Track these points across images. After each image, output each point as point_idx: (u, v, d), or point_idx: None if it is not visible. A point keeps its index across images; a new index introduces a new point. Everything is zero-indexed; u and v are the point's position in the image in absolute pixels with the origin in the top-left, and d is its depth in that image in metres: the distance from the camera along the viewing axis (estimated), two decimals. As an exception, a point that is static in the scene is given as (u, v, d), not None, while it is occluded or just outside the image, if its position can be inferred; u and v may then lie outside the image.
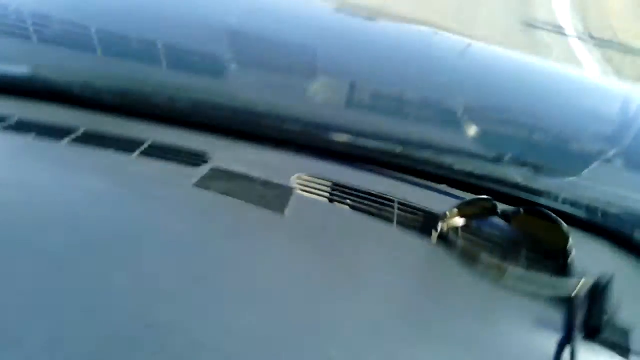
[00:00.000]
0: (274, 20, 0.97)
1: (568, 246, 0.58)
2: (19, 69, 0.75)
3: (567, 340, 0.50)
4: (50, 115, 0.67)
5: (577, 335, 0.50)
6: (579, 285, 0.53)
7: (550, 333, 0.51)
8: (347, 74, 0.95)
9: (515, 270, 0.54)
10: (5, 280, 0.42)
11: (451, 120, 0.89)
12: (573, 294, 0.53)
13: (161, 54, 0.80)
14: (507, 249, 0.60)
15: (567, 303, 0.53)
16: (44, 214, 0.50)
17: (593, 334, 0.51)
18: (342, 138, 0.74)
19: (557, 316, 0.52)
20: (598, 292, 0.54)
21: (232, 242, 0.51)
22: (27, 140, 0.62)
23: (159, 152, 0.64)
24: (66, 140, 0.63)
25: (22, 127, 0.64)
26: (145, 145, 0.64)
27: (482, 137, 0.86)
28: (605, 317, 0.52)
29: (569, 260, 0.58)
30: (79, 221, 0.50)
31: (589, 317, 0.52)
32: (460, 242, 0.57)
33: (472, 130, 0.87)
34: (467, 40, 1.18)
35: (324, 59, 0.94)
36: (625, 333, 0.52)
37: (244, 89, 0.83)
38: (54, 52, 0.81)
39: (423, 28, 1.18)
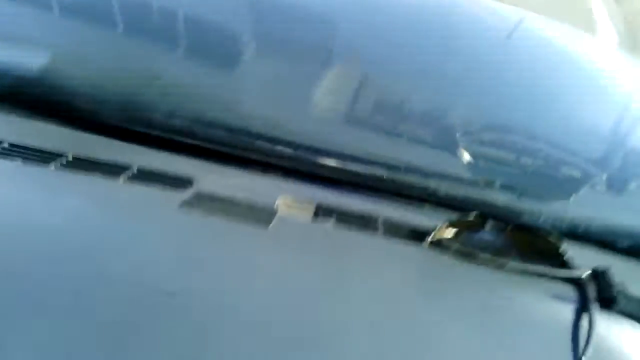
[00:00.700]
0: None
1: (562, 247, 0.59)
2: (6, 82, 0.76)
3: (584, 310, 0.52)
4: (39, 137, 0.68)
5: (593, 305, 0.52)
6: (583, 271, 0.56)
7: (565, 307, 0.52)
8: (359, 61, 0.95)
9: (515, 264, 0.55)
10: None
11: (438, 143, 0.90)
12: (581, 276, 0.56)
13: (150, 71, 0.82)
14: (502, 253, 0.61)
15: (576, 284, 0.56)
16: (29, 239, 0.51)
17: (608, 304, 0.53)
18: (328, 161, 0.75)
19: (568, 294, 0.54)
20: (601, 275, 0.56)
21: (216, 261, 0.52)
22: (16, 165, 0.63)
23: (144, 176, 0.65)
24: (54, 164, 0.64)
25: (10, 151, 0.65)
26: (131, 171, 0.65)
27: (468, 160, 0.87)
28: (617, 290, 0.54)
29: (566, 258, 0.59)
30: (63, 245, 0.50)
31: (600, 291, 0.54)
32: (456, 245, 0.59)
33: (458, 153, 0.88)
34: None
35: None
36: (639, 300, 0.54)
37: (233, 107, 0.83)
38: (42, 65, 0.81)
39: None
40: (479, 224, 0.64)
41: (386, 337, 0.47)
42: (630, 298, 0.54)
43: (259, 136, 0.76)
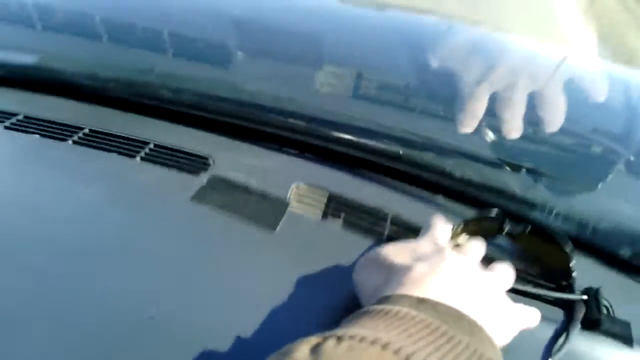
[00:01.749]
0: (280, 10, 0.95)
1: (572, 263, 0.59)
2: (24, 59, 0.76)
3: (566, 332, 0.53)
4: (57, 111, 0.69)
5: (576, 326, 0.53)
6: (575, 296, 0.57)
7: (549, 327, 0.54)
8: (354, 64, 0.94)
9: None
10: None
11: (451, 120, 0.88)
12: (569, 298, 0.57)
13: (166, 43, 0.80)
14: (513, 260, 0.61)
15: (564, 305, 0.57)
16: (40, 220, 0.52)
17: (593, 326, 0.54)
18: (342, 135, 0.74)
19: (555, 314, 0.56)
20: (591, 295, 0.57)
21: (221, 258, 0.53)
22: (32, 140, 0.64)
23: (161, 155, 0.65)
24: (71, 140, 0.64)
25: (29, 124, 0.66)
26: (148, 148, 0.65)
27: (484, 140, 0.86)
28: (603, 312, 0.55)
29: (571, 280, 0.59)
30: (71, 230, 0.52)
31: (586, 313, 0.55)
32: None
33: (474, 134, 0.86)
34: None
35: (331, 49, 0.93)
36: (625, 324, 0.55)
37: (249, 81, 0.83)
38: (58, 41, 0.81)
39: (432, 18, 1.15)
40: (495, 228, 0.64)
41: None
42: (615, 320, 0.55)
43: (271, 109, 0.76)
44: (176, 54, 0.80)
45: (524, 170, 0.78)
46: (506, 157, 0.79)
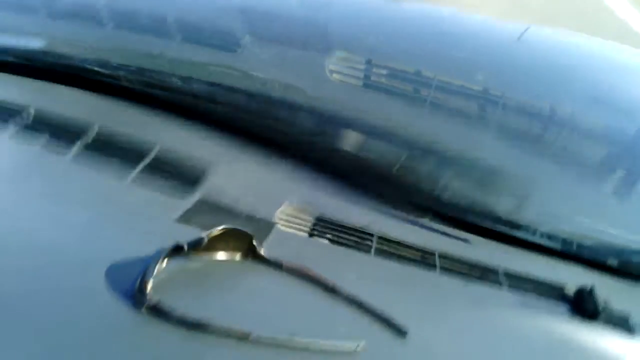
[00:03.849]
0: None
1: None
2: (32, 45, 0.78)
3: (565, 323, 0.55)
4: (65, 105, 0.71)
5: (574, 318, 0.55)
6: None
7: (546, 320, 0.55)
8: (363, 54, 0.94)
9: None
10: None
11: (441, 142, 0.88)
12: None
13: (175, 32, 0.82)
14: None
15: (558, 298, 0.58)
16: (26, 234, 0.54)
17: (592, 316, 0.55)
18: (338, 150, 0.75)
19: (551, 308, 0.57)
20: (584, 293, 0.58)
21: (207, 277, 0.54)
22: (35, 149, 0.66)
23: (157, 168, 0.67)
24: (73, 149, 0.66)
25: (34, 128, 0.68)
26: (142, 165, 0.67)
27: (471, 163, 0.85)
28: (600, 304, 0.56)
29: None
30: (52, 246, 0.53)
31: (584, 304, 0.56)
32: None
33: (461, 155, 0.86)
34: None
35: (338, 40, 0.93)
36: (624, 314, 0.56)
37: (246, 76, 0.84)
38: (64, 29, 0.83)
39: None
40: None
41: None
42: (613, 311, 0.56)
43: (278, 102, 0.77)
44: (186, 41, 0.81)
45: (510, 190, 0.78)
46: (491, 174, 0.79)
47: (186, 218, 0.60)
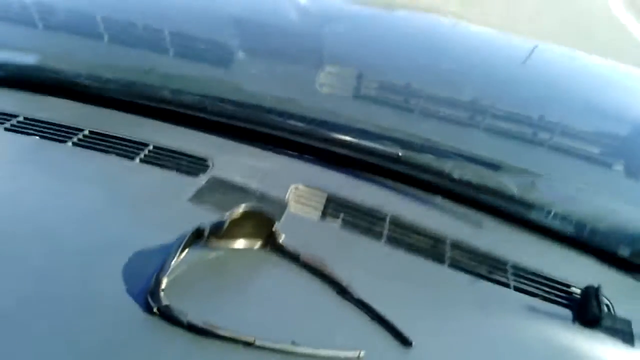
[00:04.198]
0: (282, 10, 0.96)
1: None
2: (24, 60, 0.76)
3: (567, 328, 0.54)
4: (57, 112, 0.69)
5: (576, 323, 0.54)
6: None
7: (550, 324, 0.54)
8: (356, 64, 0.94)
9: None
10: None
11: (453, 121, 0.88)
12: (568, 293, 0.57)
13: (166, 45, 0.81)
14: None
15: (563, 300, 0.57)
16: (39, 221, 0.52)
17: (593, 323, 0.55)
18: (342, 137, 0.74)
19: (555, 311, 0.56)
20: (590, 293, 0.57)
21: (221, 260, 0.53)
22: (34, 140, 0.64)
23: (160, 156, 0.65)
24: (71, 141, 0.64)
25: (29, 125, 0.66)
26: (147, 150, 0.65)
27: (483, 139, 0.86)
28: (603, 310, 0.55)
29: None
30: (70, 231, 0.52)
31: (586, 310, 0.56)
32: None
33: (473, 133, 0.86)
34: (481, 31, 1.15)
35: (333, 50, 0.93)
36: (626, 322, 0.55)
37: (249, 82, 0.83)
38: (58, 42, 0.81)
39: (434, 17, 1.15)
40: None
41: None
42: (615, 318, 0.56)
43: (273, 110, 0.76)
44: (175, 56, 0.80)
45: (523, 171, 0.77)
46: (505, 158, 0.79)
47: (199, 197, 0.59)
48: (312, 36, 0.91)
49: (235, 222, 0.51)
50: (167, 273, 0.46)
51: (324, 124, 0.76)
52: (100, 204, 0.56)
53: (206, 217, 0.56)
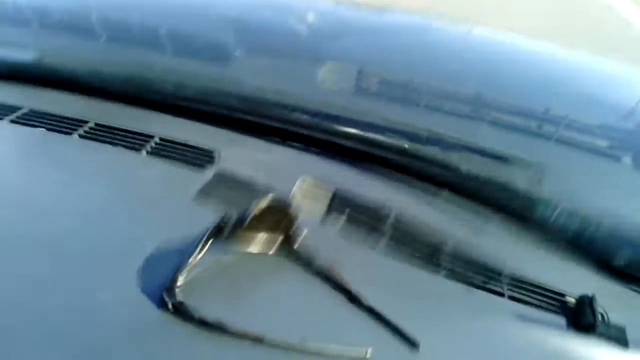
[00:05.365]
0: (283, 8, 0.95)
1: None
2: (29, 55, 0.76)
3: (561, 335, 0.54)
4: (62, 105, 0.69)
5: (570, 330, 0.54)
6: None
7: (544, 331, 0.55)
8: (361, 59, 0.94)
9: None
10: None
11: (459, 117, 0.88)
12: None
13: (169, 39, 0.81)
14: None
15: (558, 309, 0.58)
16: (46, 214, 0.52)
17: (587, 330, 0.55)
18: (349, 130, 0.74)
19: (549, 319, 0.56)
20: (584, 302, 0.57)
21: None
22: (39, 133, 0.64)
23: (167, 148, 0.65)
24: (77, 133, 0.64)
25: (34, 118, 0.66)
26: (153, 142, 0.65)
27: (490, 134, 0.86)
28: (597, 317, 0.55)
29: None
30: (76, 224, 0.52)
31: (580, 318, 0.56)
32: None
33: (479, 128, 0.86)
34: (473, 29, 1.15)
35: (339, 44, 0.92)
36: (620, 328, 0.55)
37: (253, 76, 0.83)
38: (63, 37, 0.81)
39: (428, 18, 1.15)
40: None
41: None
42: (609, 326, 0.55)
43: (274, 104, 0.76)
44: (180, 49, 0.79)
45: (529, 166, 0.78)
46: (510, 151, 0.79)
47: (206, 192, 0.59)
48: (319, 30, 0.91)
49: (258, 216, 0.52)
50: (184, 271, 0.47)
51: (330, 116, 0.76)
52: (107, 197, 0.56)
53: (213, 212, 0.57)
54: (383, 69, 0.93)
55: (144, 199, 0.57)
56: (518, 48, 1.15)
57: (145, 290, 0.46)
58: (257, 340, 0.44)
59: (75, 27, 0.83)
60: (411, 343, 0.48)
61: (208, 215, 0.56)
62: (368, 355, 0.46)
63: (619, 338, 0.54)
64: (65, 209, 0.54)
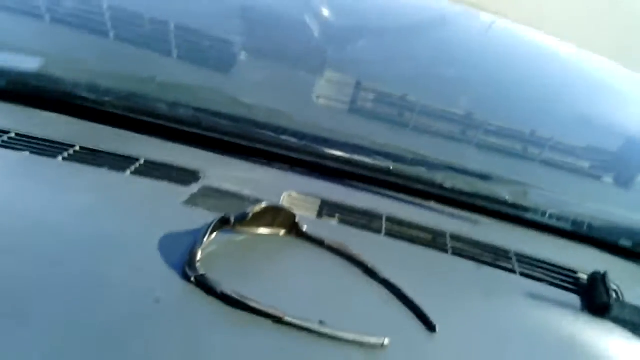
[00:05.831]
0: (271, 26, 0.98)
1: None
2: (15, 74, 0.76)
3: (575, 317, 0.54)
4: (47, 126, 0.69)
5: (585, 310, 0.54)
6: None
7: (558, 309, 0.54)
8: (345, 77, 0.95)
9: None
10: None
11: (443, 134, 0.90)
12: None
13: (155, 61, 0.82)
14: None
15: (570, 286, 0.57)
16: (35, 231, 0.51)
17: (602, 312, 0.54)
18: (334, 152, 0.75)
19: (562, 297, 0.56)
20: (597, 279, 0.56)
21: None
22: (24, 156, 0.63)
23: (151, 169, 0.65)
24: (61, 157, 0.64)
25: (19, 141, 0.65)
26: (138, 163, 0.65)
27: (474, 152, 0.87)
28: (611, 296, 0.54)
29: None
30: (66, 236, 0.51)
31: (594, 297, 0.55)
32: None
33: (464, 146, 0.88)
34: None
35: (322, 63, 0.94)
36: (635, 309, 0.54)
37: (240, 96, 0.84)
38: (48, 57, 0.82)
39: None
40: None
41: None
42: (624, 305, 0.55)
43: (264, 126, 0.77)
44: (164, 72, 0.81)
45: (514, 182, 0.79)
46: (497, 169, 0.80)
47: (193, 201, 0.59)
48: (302, 50, 0.93)
49: (258, 216, 0.54)
50: (201, 247, 0.48)
51: (315, 138, 0.77)
52: (92, 210, 0.55)
53: (203, 219, 0.56)
54: (368, 86, 0.94)
55: (131, 209, 0.57)
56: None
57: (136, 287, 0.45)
58: (277, 319, 0.44)
59: (61, 48, 0.84)
60: (427, 322, 0.48)
61: (198, 222, 0.56)
62: (386, 343, 0.45)
63: (634, 322, 0.54)
64: (50, 219, 0.53)
